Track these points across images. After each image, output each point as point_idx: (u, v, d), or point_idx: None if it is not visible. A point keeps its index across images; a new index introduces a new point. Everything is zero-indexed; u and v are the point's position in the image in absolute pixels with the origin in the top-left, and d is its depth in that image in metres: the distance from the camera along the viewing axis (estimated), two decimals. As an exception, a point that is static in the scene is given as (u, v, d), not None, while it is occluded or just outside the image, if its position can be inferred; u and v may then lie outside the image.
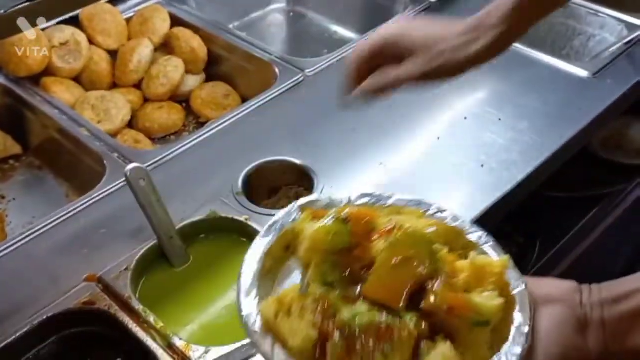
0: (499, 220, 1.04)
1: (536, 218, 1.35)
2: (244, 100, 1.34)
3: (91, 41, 1.35)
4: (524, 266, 1.29)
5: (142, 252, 0.91)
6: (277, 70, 1.27)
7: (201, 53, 1.37)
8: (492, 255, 0.61)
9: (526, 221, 1.32)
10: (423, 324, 0.54)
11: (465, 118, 1.16)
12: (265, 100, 1.21)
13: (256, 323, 0.57)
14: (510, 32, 0.76)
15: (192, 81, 1.38)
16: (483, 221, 0.97)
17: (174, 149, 1.10)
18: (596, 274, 0.76)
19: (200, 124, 1.34)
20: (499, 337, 0.56)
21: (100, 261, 0.91)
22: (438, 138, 1.13)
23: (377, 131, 1.14)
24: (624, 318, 0.58)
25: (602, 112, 1.17)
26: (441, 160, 1.08)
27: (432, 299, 0.54)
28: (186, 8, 1.47)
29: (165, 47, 1.40)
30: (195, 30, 1.40)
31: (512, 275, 0.59)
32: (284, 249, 0.63)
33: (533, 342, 0.57)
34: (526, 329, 0.56)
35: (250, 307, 0.58)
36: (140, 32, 1.39)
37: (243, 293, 0.59)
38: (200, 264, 0.92)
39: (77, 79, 1.33)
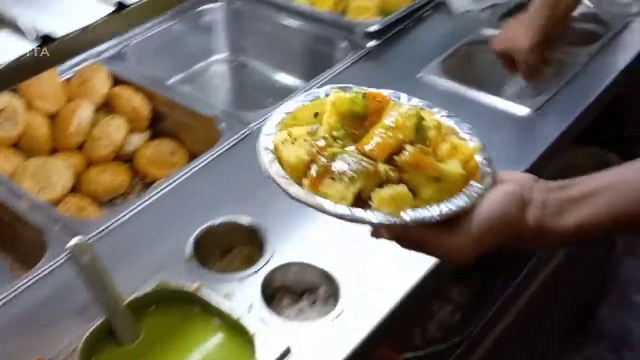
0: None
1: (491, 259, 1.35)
2: (191, 156, 1.32)
3: (29, 106, 1.31)
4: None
5: (90, 330, 0.88)
6: (221, 125, 1.25)
7: (144, 111, 1.35)
8: (470, 143, 0.74)
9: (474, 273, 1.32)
10: (393, 174, 0.67)
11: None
12: (211, 158, 1.19)
13: (267, 144, 0.72)
14: None
15: (136, 140, 1.35)
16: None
17: (119, 216, 1.07)
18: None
19: (147, 184, 1.31)
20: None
21: (48, 342, 0.88)
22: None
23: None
24: (562, 201, 0.67)
25: (546, 150, 1.19)
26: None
27: (404, 155, 0.68)
28: (126, 65, 1.44)
29: (106, 106, 1.37)
30: (137, 88, 1.37)
31: (484, 162, 0.72)
32: (313, 115, 0.75)
33: (479, 206, 0.67)
34: (472, 194, 0.68)
35: (267, 138, 0.73)
36: (79, 93, 1.36)
37: (263, 133, 0.74)
38: (151, 340, 0.89)
39: (16, 145, 1.30)
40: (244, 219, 1.05)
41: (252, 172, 1.17)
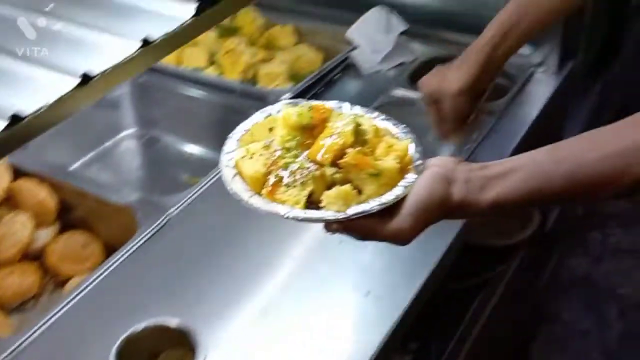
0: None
1: (425, 319, 1.34)
2: (107, 248, 1.24)
3: None
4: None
5: None
6: (137, 213, 1.19)
7: (50, 204, 1.26)
8: (403, 141, 0.84)
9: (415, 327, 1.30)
10: (338, 175, 0.78)
11: (341, 242, 1.13)
12: (129, 252, 1.12)
13: (228, 162, 0.82)
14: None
15: (44, 235, 1.26)
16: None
17: (30, 332, 0.98)
18: None
19: (60, 282, 1.22)
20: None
21: None
22: (317, 270, 1.09)
23: (254, 271, 1.08)
24: (483, 178, 0.77)
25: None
26: (325, 295, 1.04)
27: (346, 157, 0.78)
28: (27, 153, 1.34)
29: (8, 202, 1.27)
30: (40, 178, 1.28)
31: (416, 155, 0.82)
32: (268, 130, 0.86)
33: (411, 191, 0.78)
34: (408, 183, 0.78)
35: (228, 156, 0.83)
36: (-23, 189, 1.26)
37: (224, 151, 0.84)
38: None
39: None
40: (172, 321, 0.98)
41: (177, 265, 1.13)
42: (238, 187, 0.79)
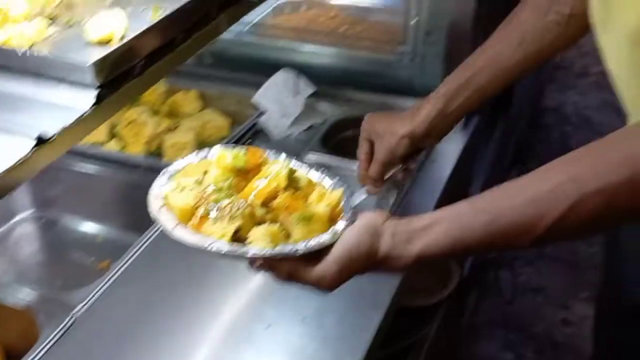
0: None
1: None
2: (7, 355, 1.11)
3: None
4: None
5: None
6: (38, 316, 1.07)
7: (-63, 309, 1.13)
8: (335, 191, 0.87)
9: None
10: (268, 215, 0.80)
11: (269, 325, 1.06)
12: (32, 361, 1.01)
13: (156, 193, 0.83)
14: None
15: None
16: None
17: None
18: None
19: (-48, 399, 1.08)
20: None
21: None
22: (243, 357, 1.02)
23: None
24: (409, 232, 0.79)
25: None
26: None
27: (278, 200, 0.81)
28: None
29: None
30: None
31: (346, 205, 0.85)
32: (202, 173, 0.85)
33: (339, 240, 0.79)
34: (336, 232, 0.80)
35: (158, 188, 0.84)
36: None
37: (156, 185, 0.84)
38: None
39: None
40: None
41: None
42: (164, 218, 0.78)
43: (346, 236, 0.80)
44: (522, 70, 1.11)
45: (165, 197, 0.82)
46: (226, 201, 0.79)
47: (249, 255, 0.76)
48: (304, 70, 1.61)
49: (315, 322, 1.06)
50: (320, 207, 0.83)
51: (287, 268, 0.79)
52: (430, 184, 1.39)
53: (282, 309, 1.09)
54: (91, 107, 0.79)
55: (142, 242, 1.23)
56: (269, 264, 0.79)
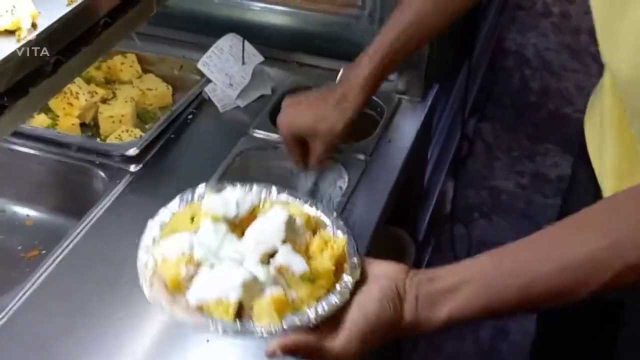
0: None
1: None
2: None
3: None
4: None
5: None
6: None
7: None
8: (338, 235, 0.79)
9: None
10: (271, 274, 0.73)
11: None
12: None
13: (144, 262, 0.75)
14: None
15: None
16: None
17: None
18: None
19: None
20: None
21: None
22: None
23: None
24: (433, 294, 0.73)
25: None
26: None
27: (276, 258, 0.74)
28: None
29: None
30: None
31: (351, 251, 0.77)
32: (190, 220, 0.79)
33: (358, 306, 0.73)
34: (345, 289, 0.74)
35: (145, 255, 0.76)
36: None
37: (143, 248, 0.77)
38: None
39: None
40: None
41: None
42: (157, 296, 0.72)
43: (364, 305, 0.73)
44: (444, 25, 1.16)
45: (156, 264, 0.75)
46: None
47: (260, 335, 0.70)
48: (253, 31, 1.48)
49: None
50: (324, 260, 0.75)
51: (308, 347, 0.72)
52: (387, 164, 1.32)
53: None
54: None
55: (78, 229, 1.14)
56: (288, 347, 0.72)
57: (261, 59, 1.42)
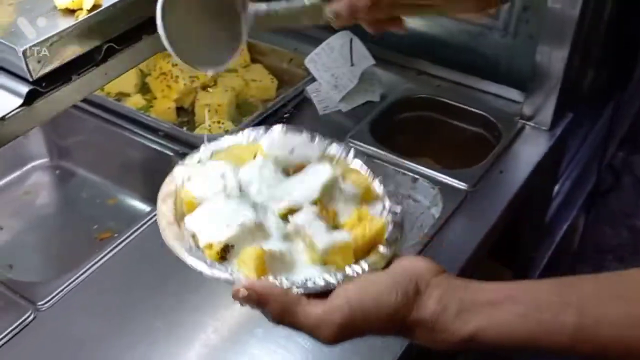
0: None
1: None
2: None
3: None
4: None
5: None
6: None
7: None
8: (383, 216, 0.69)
9: None
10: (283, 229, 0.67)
11: None
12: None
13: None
14: None
15: None
16: None
17: None
18: None
19: None
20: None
21: None
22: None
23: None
24: (466, 301, 0.59)
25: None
26: None
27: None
28: None
29: None
30: None
31: (387, 240, 0.66)
32: (253, 155, 0.74)
33: (361, 285, 0.60)
34: (353, 272, 0.62)
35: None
36: None
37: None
38: None
39: None
40: None
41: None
42: (164, 212, 0.69)
43: (365, 285, 0.60)
44: None
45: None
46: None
47: (235, 285, 0.61)
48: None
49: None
50: (345, 236, 0.65)
51: (280, 304, 0.60)
52: (494, 196, 1.15)
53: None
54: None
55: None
56: (258, 297, 0.60)
57: (372, 61, 1.29)
